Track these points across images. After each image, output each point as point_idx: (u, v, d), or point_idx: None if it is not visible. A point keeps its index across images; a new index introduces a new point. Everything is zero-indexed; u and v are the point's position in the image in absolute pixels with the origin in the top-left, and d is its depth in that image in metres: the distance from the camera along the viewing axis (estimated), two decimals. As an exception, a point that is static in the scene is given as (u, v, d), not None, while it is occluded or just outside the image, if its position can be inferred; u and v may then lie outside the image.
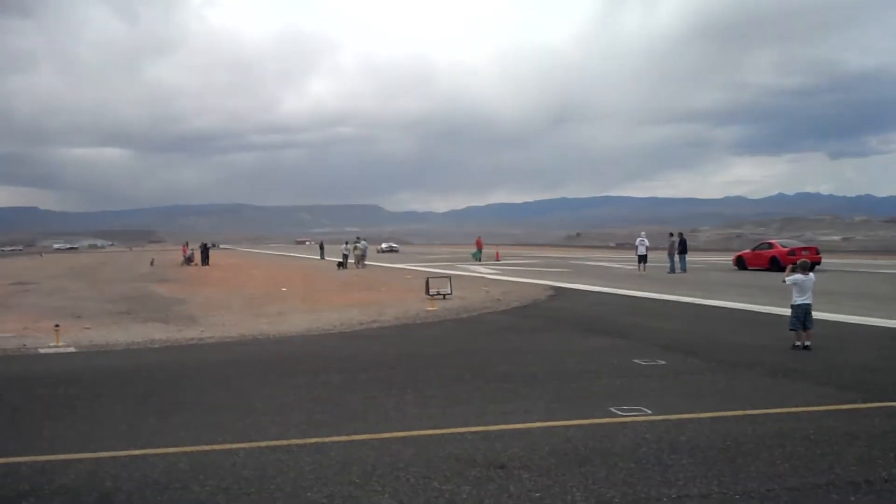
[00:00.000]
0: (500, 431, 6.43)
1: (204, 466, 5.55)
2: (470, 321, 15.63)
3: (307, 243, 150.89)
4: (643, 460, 5.55)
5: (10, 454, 5.93)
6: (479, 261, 44.13)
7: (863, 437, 6.13)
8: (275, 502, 4.85)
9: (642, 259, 31.75)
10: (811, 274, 11.10)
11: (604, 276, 29.13)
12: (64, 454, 5.93)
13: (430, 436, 6.33)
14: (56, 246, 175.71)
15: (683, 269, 30.01)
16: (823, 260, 31.44)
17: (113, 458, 5.81)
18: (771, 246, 31.88)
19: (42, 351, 12.14)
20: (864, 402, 7.45)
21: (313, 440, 6.22)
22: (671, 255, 30.57)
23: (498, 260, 46.16)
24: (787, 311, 11.26)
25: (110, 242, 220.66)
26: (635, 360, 9.97)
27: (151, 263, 50.11)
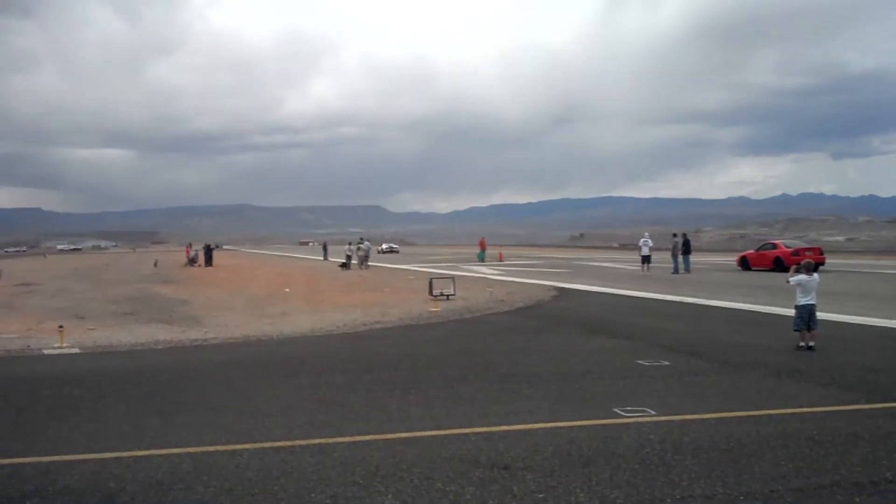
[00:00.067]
0: (503, 432, 6.43)
1: (207, 467, 5.56)
2: (473, 322, 15.62)
3: (310, 244, 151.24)
4: (647, 461, 5.54)
5: (14, 455, 5.94)
6: (484, 261, 44.16)
7: (867, 437, 6.12)
8: (278, 503, 4.86)
9: (646, 260, 31.72)
10: (815, 274, 11.05)
11: (607, 277, 29.11)
12: (68, 455, 5.94)
13: (434, 436, 6.33)
14: (60, 247, 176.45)
15: (687, 270, 29.96)
16: (827, 260, 31.39)
17: (117, 458, 5.82)
18: (774, 246, 31.85)
19: (46, 352, 12.17)
20: (868, 402, 7.44)
21: (317, 441, 6.22)
22: (675, 256, 30.52)
23: (501, 261, 46.16)
24: (791, 312, 11.26)
25: (114, 243, 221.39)
26: (639, 361, 9.95)
27: (155, 264, 50.22)
